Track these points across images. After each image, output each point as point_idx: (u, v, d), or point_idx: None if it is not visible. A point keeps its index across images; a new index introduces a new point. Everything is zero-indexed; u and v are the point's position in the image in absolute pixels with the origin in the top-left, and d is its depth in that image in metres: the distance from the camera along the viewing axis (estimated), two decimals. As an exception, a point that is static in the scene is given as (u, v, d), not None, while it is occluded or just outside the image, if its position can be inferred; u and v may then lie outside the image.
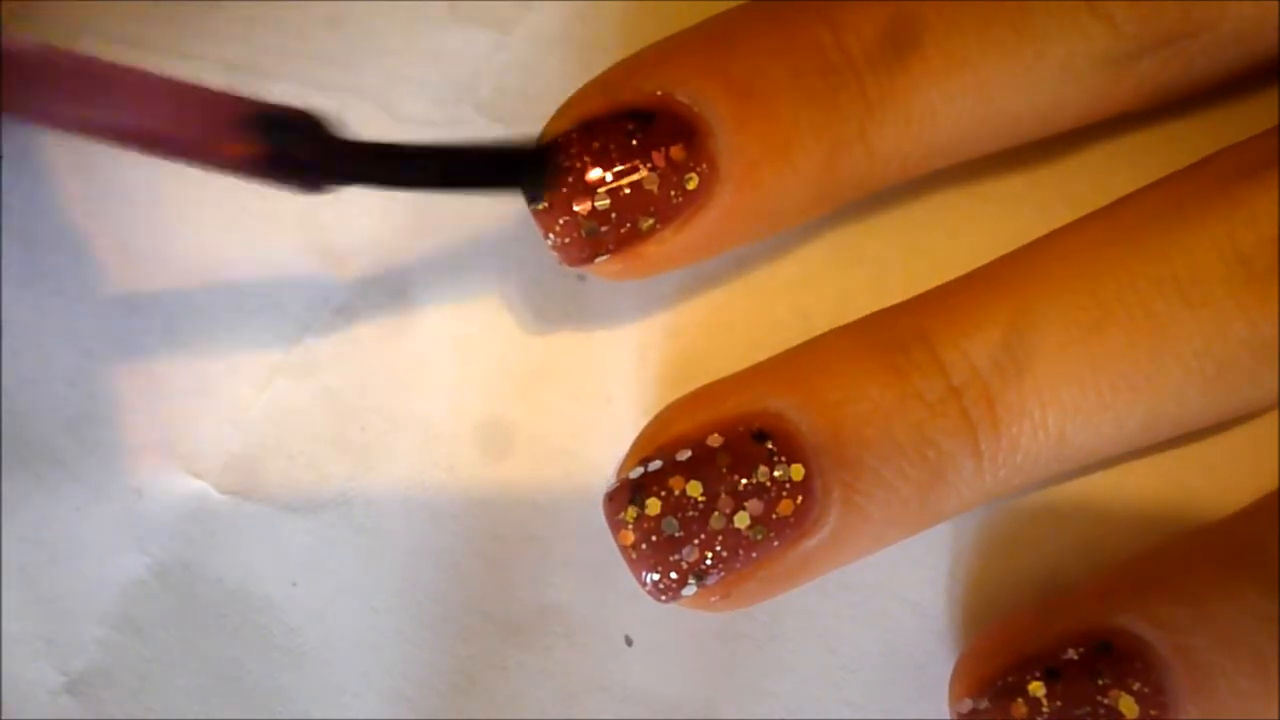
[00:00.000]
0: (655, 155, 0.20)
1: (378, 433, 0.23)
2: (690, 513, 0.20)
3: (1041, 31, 0.20)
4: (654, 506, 0.20)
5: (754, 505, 0.20)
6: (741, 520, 0.20)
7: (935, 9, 0.20)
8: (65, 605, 0.23)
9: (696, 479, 0.20)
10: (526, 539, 0.23)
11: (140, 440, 0.23)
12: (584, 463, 0.23)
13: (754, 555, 0.20)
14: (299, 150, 0.18)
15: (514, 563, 0.23)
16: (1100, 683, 0.19)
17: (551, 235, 0.20)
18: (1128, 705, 0.19)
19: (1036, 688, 0.20)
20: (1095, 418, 0.20)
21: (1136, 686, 0.19)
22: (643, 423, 0.23)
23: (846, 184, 0.21)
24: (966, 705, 0.20)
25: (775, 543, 0.20)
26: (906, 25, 0.20)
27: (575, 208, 0.20)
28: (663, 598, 0.20)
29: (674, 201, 0.20)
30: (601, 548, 0.23)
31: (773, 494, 0.20)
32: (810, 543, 0.20)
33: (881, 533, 0.20)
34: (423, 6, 0.24)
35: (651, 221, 0.20)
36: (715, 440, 0.20)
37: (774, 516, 0.20)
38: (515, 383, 0.23)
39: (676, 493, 0.20)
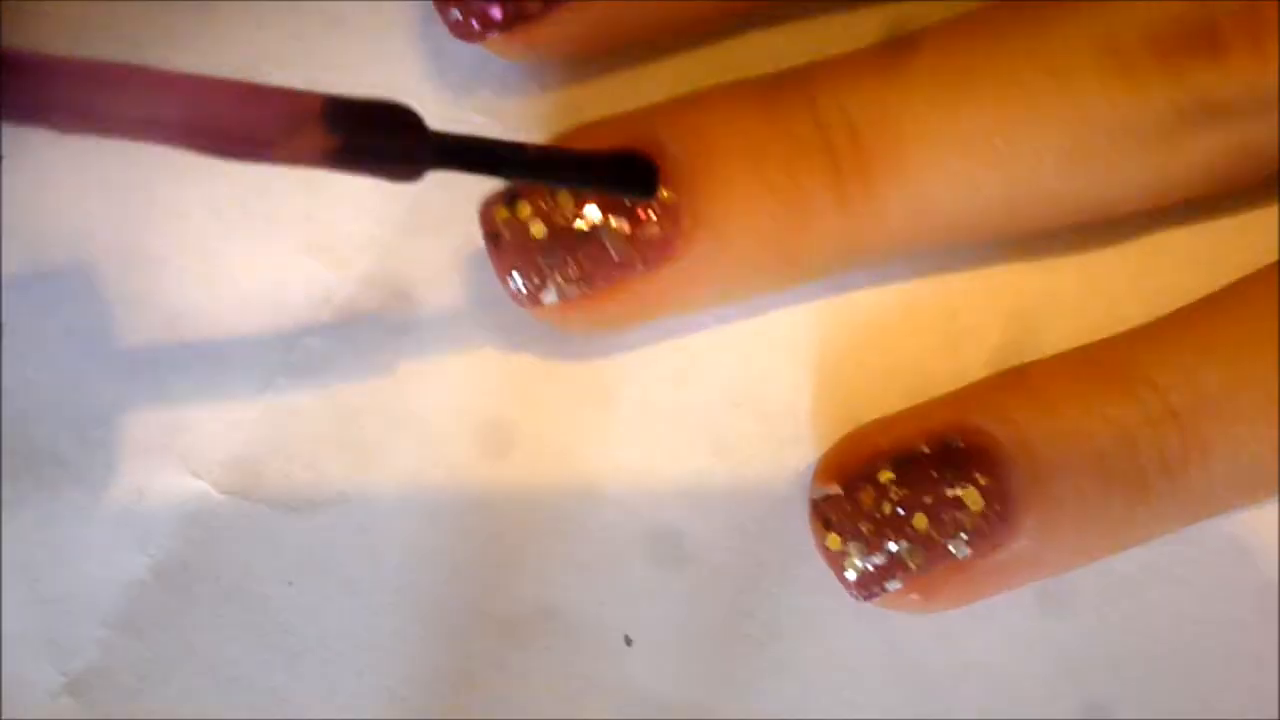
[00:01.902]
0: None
1: (377, 433, 0.23)
2: (559, 222, 0.21)
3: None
4: (524, 210, 0.21)
5: (621, 224, 0.20)
6: (609, 236, 0.20)
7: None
8: (65, 605, 0.23)
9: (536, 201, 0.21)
10: (526, 539, 0.23)
11: (140, 440, 0.23)
12: (584, 463, 0.23)
13: (614, 274, 0.21)
14: (376, 146, 0.17)
15: (514, 563, 0.23)
16: (948, 475, 0.20)
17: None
18: (972, 498, 0.20)
19: (886, 476, 0.20)
20: (953, 176, 0.20)
21: (982, 481, 0.20)
22: (642, 421, 0.23)
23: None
24: (820, 492, 0.21)
25: (639, 265, 0.20)
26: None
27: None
28: (528, 306, 0.21)
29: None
30: (601, 548, 0.23)
31: (642, 222, 0.20)
32: (672, 268, 0.21)
33: (739, 266, 0.21)
34: (422, 6, 0.24)
35: None
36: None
37: (642, 238, 0.20)
38: (515, 383, 0.23)
39: (544, 206, 0.21)
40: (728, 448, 0.23)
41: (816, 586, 0.23)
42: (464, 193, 0.24)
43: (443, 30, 0.23)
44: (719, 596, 0.23)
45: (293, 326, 0.23)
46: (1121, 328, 0.23)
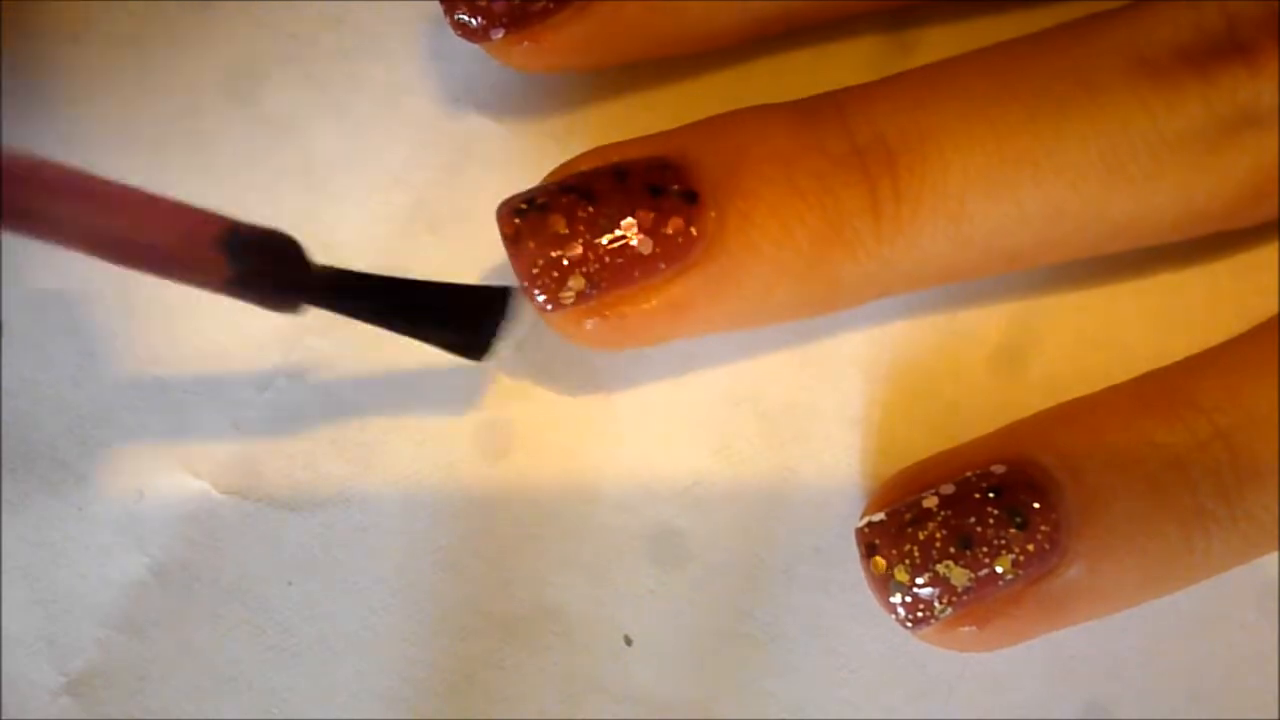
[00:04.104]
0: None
1: (377, 432, 0.23)
2: (580, 225, 0.20)
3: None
4: (558, 223, 0.20)
5: (643, 219, 0.20)
6: (635, 238, 0.20)
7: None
8: (65, 605, 0.23)
9: (589, 202, 0.20)
10: (526, 539, 0.23)
11: (140, 440, 0.23)
12: (584, 463, 0.23)
13: (636, 272, 0.20)
14: (268, 275, 0.18)
15: (513, 562, 0.23)
16: (994, 498, 0.20)
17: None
18: (1019, 518, 0.20)
19: (931, 501, 0.20)
20: (995, 192, 0.20)
21: (1028, 500, 0.20)
22: (642, 421, 0.23)
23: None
24: (864, 521, 0.21)
25: (662, 264, 0.20)
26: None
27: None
28: (548, 307, 0.20)
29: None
30: (601, 548, 0.23)
31: (665, 212, 0.20)
32: (701, 274, 0.20)
33: (771, 280, 0.20)
34: (422, 6, 0.24)
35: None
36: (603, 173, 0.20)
37: (664, 234, 0.20)
38: (515, 382, 0.23)
39: (568, 212, 0.20)
40: (728, 448, 0.23)
41: (816, 586, 0.23)
42: (465, 192, 0.24)
43: (443, 30, 0.23)
44: (719, 596, 0.23)
45: (292, 327, 0.24)
46: (1121, 327, 0.23)
